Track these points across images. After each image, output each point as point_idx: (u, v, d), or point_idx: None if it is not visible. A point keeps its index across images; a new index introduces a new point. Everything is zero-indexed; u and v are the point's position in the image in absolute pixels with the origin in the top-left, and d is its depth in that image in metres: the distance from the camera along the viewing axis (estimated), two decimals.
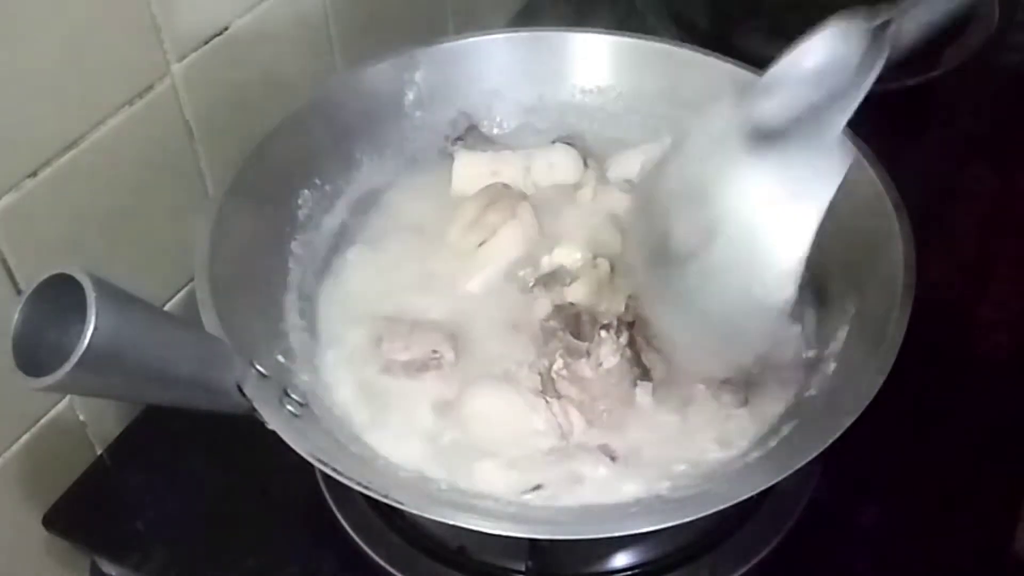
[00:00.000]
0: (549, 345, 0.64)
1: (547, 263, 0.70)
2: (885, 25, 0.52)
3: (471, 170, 0.75)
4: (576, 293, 0.67)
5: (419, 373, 0.64)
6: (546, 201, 0.74)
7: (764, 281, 0.52)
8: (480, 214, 0.72)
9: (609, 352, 0.62)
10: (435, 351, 0.64)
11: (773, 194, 0.52)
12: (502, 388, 0.62)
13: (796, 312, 0.66)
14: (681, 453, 0.60)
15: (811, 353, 0.64)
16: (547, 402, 0.61)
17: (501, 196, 0.73)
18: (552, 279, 0.68)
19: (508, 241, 0.71)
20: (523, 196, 0.73)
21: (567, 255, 0.69)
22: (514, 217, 0.71)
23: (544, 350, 0.64)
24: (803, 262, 0.52)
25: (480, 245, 0.71)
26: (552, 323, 0.64)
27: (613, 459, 0.59)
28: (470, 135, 0.78)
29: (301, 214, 0.70)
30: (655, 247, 0.57)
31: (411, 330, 0.65)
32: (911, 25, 0.52)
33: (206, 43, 0.71)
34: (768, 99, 0.53)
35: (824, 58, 0.52)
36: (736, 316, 0.55)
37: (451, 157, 0.76)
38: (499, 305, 0.68)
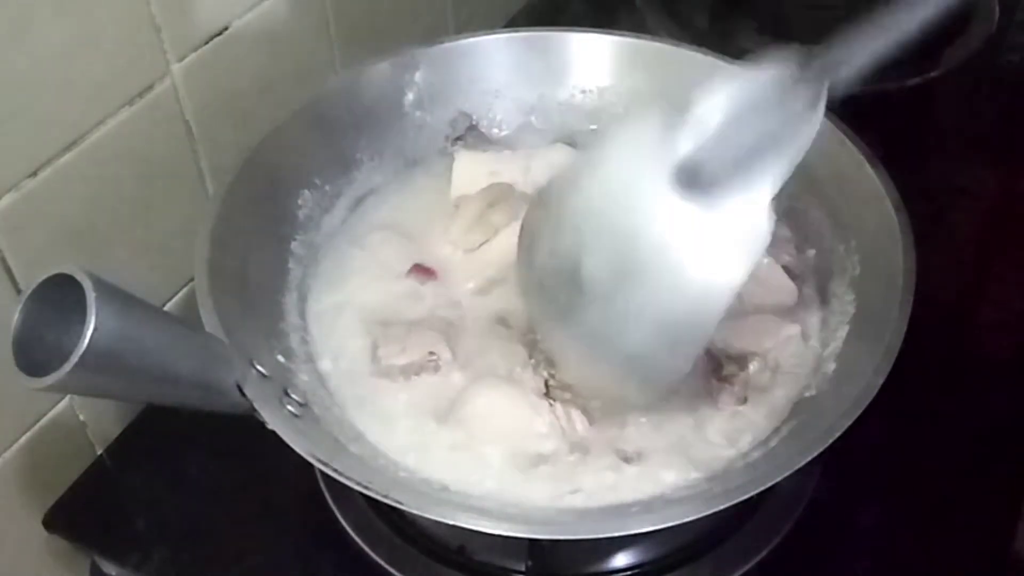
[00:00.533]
0: (536, 349, 0.64)
1: None
2: (822, 74, 0.50)
3: (471, 170, 0.75)
4: None
5: (416, 376, 0.64)
6: None
7: (677, 336, 0.52)
8: (483, 213, 0.72)
9: None
10: (432, 353, 0.64)
11: (704, 256, 0.51)
12: (505, 388, 0.62)
13: (796, 314, 0.67)
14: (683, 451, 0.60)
15: (811, 353, 0.64)
16: (551, 404, 0.61)
17: (504, 196, 0.73)
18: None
19: (511, 242, 0.71)
20: (525, 197, 0.73)
21: None
22: (517, 219, 0.71)
23: (533, 353, 0.64)
24: (710, 333, 0.52)
25: (481, 245, 0.71)
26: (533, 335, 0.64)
27: (627, 460, 0.59)
28: (470, 135, 0.78)
29: (301, 214, 0.70)
30: (562, 273, 0.55)
31: (407, 332, 0.65)
32: (852, 66, 0.49)
33: (206, 43, 0.71)
34: (696, 135, 0.51)
35: (756, 102, 0.51)
36: (629, 362, 0.54)
37: (451, 157, 0.76)
38: (494, 306, 0.68)
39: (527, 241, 0.58)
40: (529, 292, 0.59)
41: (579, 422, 0.61)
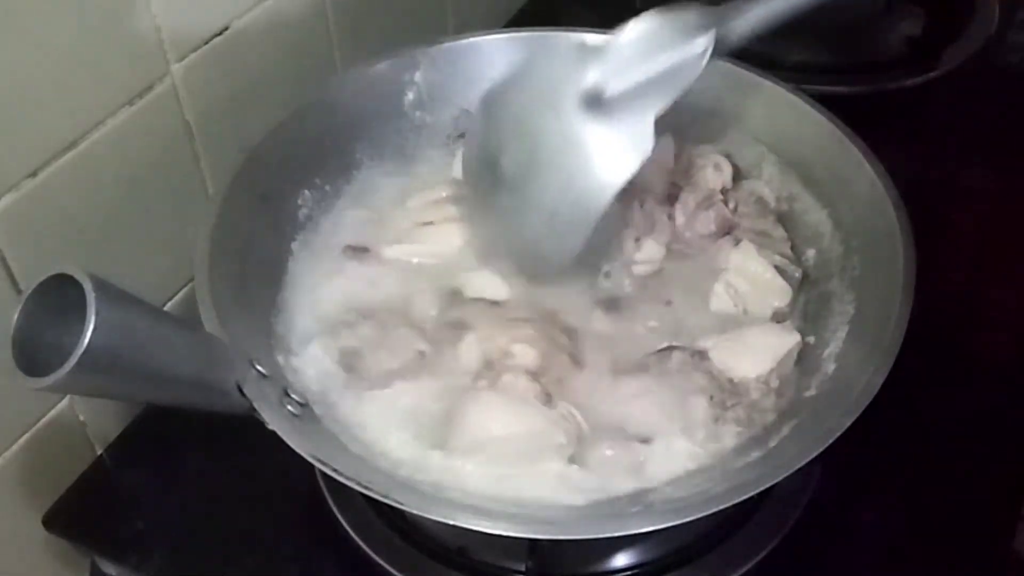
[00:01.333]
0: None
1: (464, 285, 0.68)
2: (719, 23, 0.60)
3: None
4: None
5: (415, 376, 0.63)
6: None
7: (564, 228, 0.63)
8: (446, 199, 0.72)
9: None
10: (421, 350, 0.64)
11: (592, 158, 0.62)
12: (503, 400, 0.60)
13: (796, 314, 0.67)
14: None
15: (810, 353, 0.64)
16: (552, 407, 0.61)
17: None
18: (453, 304, 0.67)
19: (450, 235, 0.71)
20: None
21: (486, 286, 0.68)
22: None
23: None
24: (592, 225, 0.62)
25: (424, 225, 0.71)
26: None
27: (647, 441, 0.59)
28: None
29: (301, 214, 0.70)
30: (486, 162, 0.66)
31: (382, 332, 0.64)
32: (745, 23, 0.60)
33: (206, 43, 0.71)
34: (604, 65, 0.62)
35: (658, 40, 0.61)
36: (536, 243, 0.65)
37: (450, 157, 0.76)
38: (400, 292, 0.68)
39: (469, 133, 0.70)
40: (467, 175, 0.70)
41: (582, 421, 0.61)
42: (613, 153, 0.61)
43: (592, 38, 0.64)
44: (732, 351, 0.63)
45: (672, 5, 0.61)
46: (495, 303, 0.66)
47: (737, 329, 0.64)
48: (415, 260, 0.70)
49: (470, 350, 0.63)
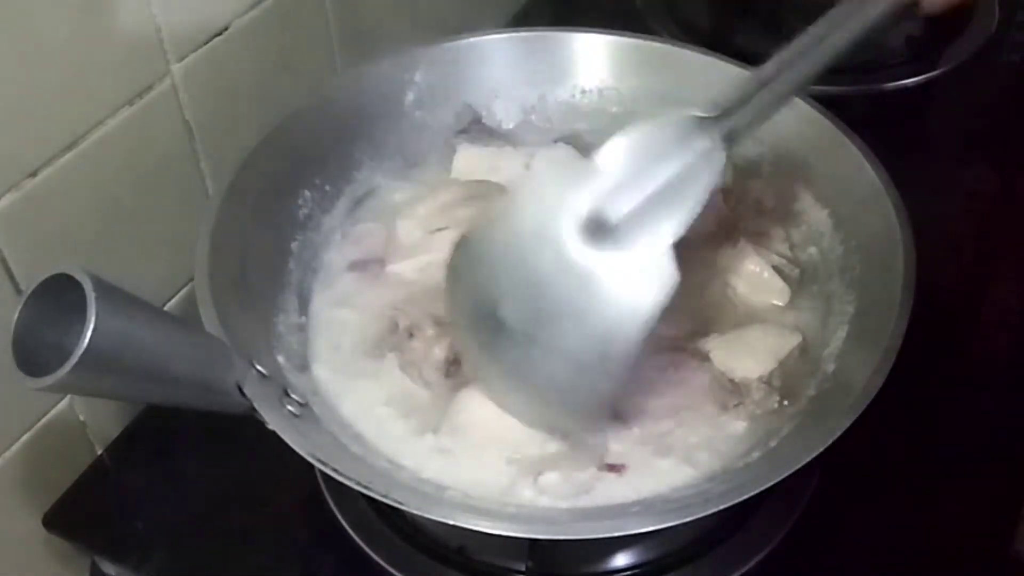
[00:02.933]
0: None
1: None
2: (723, 125, 0.55)
3: (471, 163, 0.76)
4: None
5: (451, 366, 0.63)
6: None
7: (594, 374, 0.56)
8: (455, 202, 0.72)
9: None
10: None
11: (604, 294, 0.54)
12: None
13: (795, 315, 0.67)
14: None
15: (811, 353, 0.64)
16: None
17: (484, 195, 0.73)
18: None
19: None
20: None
21: None
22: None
23: None
24: (627, 365, 0.55)
25: (437, 231, 0.71)
26: None
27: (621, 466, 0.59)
28: (474, 128, 0.78)
29: (301, 214, 0.70)
30: (481, 314, 0.58)
31: (437, 328, 0.64)
32: (750, 113, 0.55)
33: (206, 43, 0.71)
34: (601, 185, 0.55)
35: (652, 150, 0.54)
36: (561, 395, 0.58)
37: (450, 158, 0.76)
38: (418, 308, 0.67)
39: (451, 282, 0.61)
40: (456, 326, 0.62)
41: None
42: (633, 284, 0.54)
43: (575, 161, 0.57)
44: (733, 351, 0.63)
45: (663, 113, 0.56)
46: None
47: (738, 329, 0.64)
48: (431, 271, 0.69)
49: None
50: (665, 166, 0.54)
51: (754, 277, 0.67)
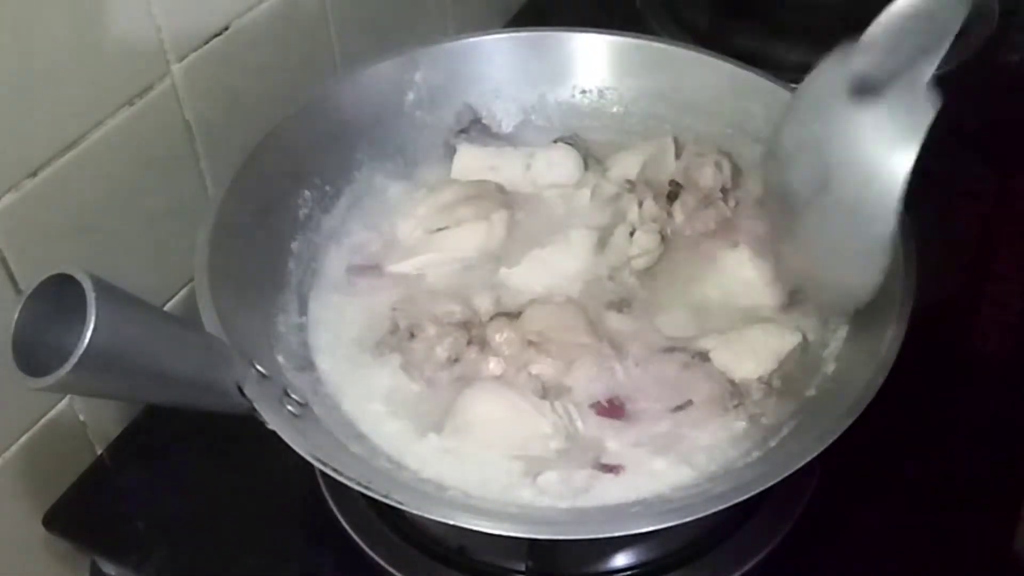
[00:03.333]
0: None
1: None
2: None
3: (471, 163, 0.76)
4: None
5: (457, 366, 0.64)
6: (538, 207, 0.74)
7: (871, 217, 0.57)
8: (455, 202, 0.72)
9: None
10: (469, 341, 0.64)
11: (875, 142, 0.57)
12: (504, 391, 0.62)
13: (795, 315, 0.66)
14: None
15: (811, 353, 0.63)
16: (552, 404, 0.61)
17: (485, 195, 0.73)
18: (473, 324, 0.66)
19: (464, 239, 0.71)
20: (508, 204, 0.73)
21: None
22: (486, 219, 0.71)
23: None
24: (902, 198, 0.56)
25: (437, 231, 0.71)
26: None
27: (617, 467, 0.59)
28: (474, 128, 0.78)
29: (301, 214, 0.70)
30: (779, 199, 0.63)
31: (438, 328, 0.64)
32: None
33: (206, 43, 0.71)
34: (866, 55, 0.58)
35: (912, 13, 0.58)
36: (849, 252, 0.59)
37: (450, 158, 0.76)
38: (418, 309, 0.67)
39: (766, 163, 0.67)
40: (768, 207, 0.68)
41: (578, 419, 0.61)
42: (902, 121, 0.58)
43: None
44: (733, 351, 0.63)
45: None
46: (512, 318, 0.65)
47: (738, 329, 0.64)
48: (431, 270, 0.70)
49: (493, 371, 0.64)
50: (916, 31, 0.58)
51: (752, 280, 0.67)
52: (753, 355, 0.62)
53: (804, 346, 0.63)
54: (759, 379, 0.61)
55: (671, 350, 0.64)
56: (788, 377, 0.62)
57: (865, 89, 0.58)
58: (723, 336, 0.64)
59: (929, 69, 0.58)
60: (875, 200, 0.57)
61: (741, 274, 0.67)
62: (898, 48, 0.58)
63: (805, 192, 0.61)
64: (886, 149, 0.57)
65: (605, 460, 0.59)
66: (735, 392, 0.61)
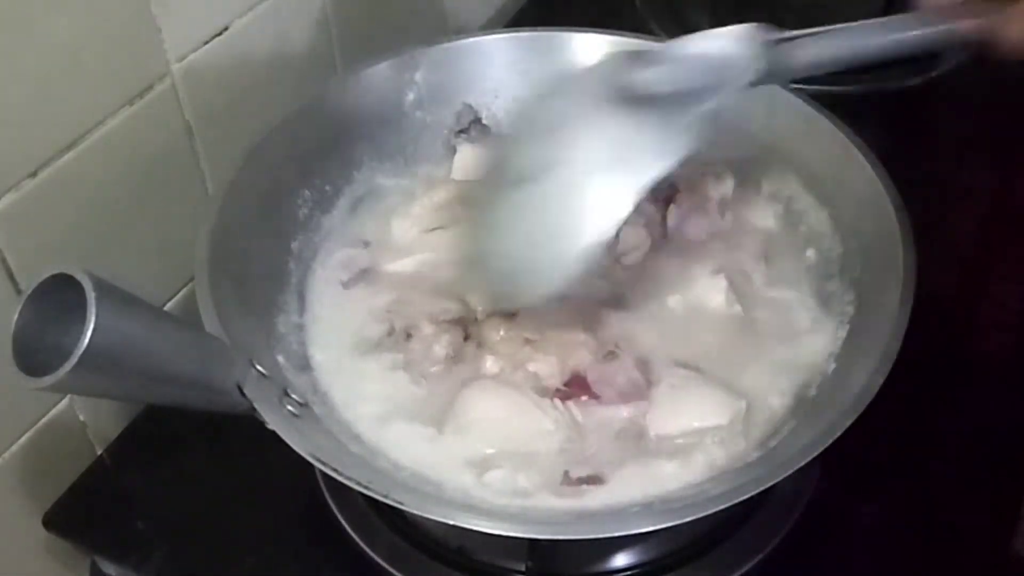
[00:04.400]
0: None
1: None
2: (784, 42, 0.55)
3: (471, 163, 0.76)
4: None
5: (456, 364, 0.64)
6: None
7: (583, 223, 0.55)
8: (450, 202, 0.72)
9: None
10: (466, 337, 0.64)
11: (614, 149, 0.55)
12: (505, 390, 0.61)
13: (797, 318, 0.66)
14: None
15: (811, 354, 0.64)
16: (552, 401, 0.61)
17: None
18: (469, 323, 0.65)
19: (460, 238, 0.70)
20: None
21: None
22: None
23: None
24: (616, 226, 0.55)
25: (432, 230, 0.71)
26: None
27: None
28: (474, 128, 0.78)
29: (301, 214, 0.70)
30: (496, 167, 0.61)
31: (434, 326, 0.64)
32: (810, 52, 0.55)
33: (206, 43, 0.71)
34: (650, 68, 0.56)
35: (716, 52, 0.55)
36: (540, 248, 0.57)
37: (450, 158, 0.76)
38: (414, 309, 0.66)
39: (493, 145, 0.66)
40: (485, 177, 0.64)
41: (579, 414, 0.61)
42: (651, 144, 0.55)
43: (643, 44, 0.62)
44: (670, 405, 0.61)
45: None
46: (508, 316, 0.64)
47: (686, 386, 0.62)
48: (426, 269, 0.70)
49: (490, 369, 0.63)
50: (716, 66, 0.55)
51: (715, 310, 0.66)
52: (683, 415, 0.60)
53: (745, 416, 0.60)
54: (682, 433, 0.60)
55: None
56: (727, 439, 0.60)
57: (634, 100, 0.55)
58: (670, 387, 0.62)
59: (704, 107, 0.54)
60: (597, 207, 0.54)
61: (710, 299, 0.66)
62: (684, 76, 0.55)
63: (523, 170, 0.58)
64: (622, 165, 0.54)
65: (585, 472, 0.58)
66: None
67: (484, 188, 0.63)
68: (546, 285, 0.58)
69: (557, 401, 0.61)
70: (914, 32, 0.54)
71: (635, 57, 0.57)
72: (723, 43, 0.55)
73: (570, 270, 0.56)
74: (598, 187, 0.55)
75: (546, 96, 0.61)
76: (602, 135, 0.56)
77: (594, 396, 0.61)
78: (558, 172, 0.56)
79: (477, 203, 0.64)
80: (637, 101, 0.55)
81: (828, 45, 0.55)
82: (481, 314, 0.65)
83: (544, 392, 0.61)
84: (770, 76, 0.55)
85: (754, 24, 0.55)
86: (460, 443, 0.60)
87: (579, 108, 0.57)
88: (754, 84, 0.55)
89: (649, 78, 0.55)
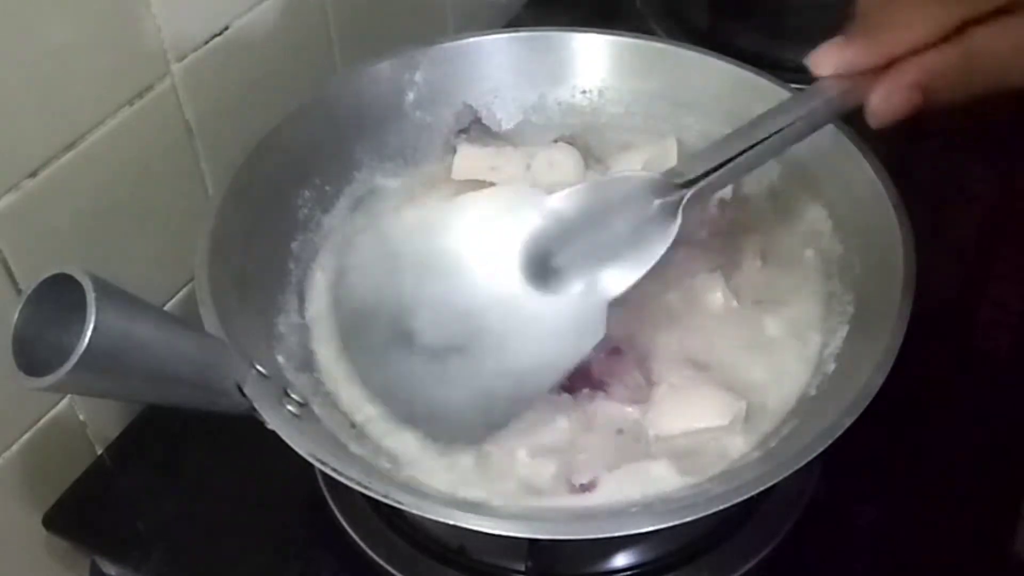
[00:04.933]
0: None
1: None
2: (686, 189, 0.54)
3: (471, 163, 0.75)
4: None
5: None
6: None
7: (489, 410, 0.55)
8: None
9: None
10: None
11: (531, 338, 0.55)
12: None
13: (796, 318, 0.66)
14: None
15: (811, 353, 0.63)
16: (560, 396, 0.60)
17: None
18: None
19: None
20: None
21: None
22: None
23: None
24: (526, 407, 0.55)
25: None
26: None
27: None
28: (474, 128, 0.78)
29: (301, 214, 0.70)
30: (386, 314, 0.59)
31: None
32: (712, 181, 0.55)
33: (206, 43, 0.71)
34: (553, 223, 0.55)
35: (619, 205, 0.54)
36: (458, 415, 0.57)
37: (450, 158, 0.76)
38: None
39: (354, 263, 0.61)
40: (340, 307, 0.62)
41: (587, 409, 0.60)
42: (560, 335, 0.54)
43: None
44: (669, 406, 0.61)
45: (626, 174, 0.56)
46: None
47: (686, 387, 0.62)
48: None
49: None
50: (619, 221, 0.54)
51: (713, 305, 0.66)
52: (683, 416, 0.60)
53: (746, 414, 0.60)
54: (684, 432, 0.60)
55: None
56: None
57: (540, 267, 0.54)
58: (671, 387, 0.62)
59: (615, 289, 0.53)
60: (510, 396, 0.53)
61: (709, 299, 0.66)
62: (587, 236, 0.54)
63: (426, 336, 0.56)
64: (541, 353, 0.53)
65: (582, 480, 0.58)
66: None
67: (372, 334, 0.60)
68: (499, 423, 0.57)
69: (566, 396, 0.61)
70: (802, 110, 0.55)
71: (526, 209, 0.55)
72: (623, 193, 0.54)
73: (485, 433, 0.57)
74: (515, 367, 0.55)
75: (441, 249, 0.58)
76: (516, 311, 0.55)
77: (601, 390, 0.61)
78: (474, 353, 0.56)
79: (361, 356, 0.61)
80: (545, 269, 0.55)
81: (724, 163, 0.55)
82: None
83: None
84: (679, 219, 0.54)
85: (652, 176, 0.55)
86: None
87: (482, 268, 0.56)
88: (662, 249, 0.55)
89: (547, 244, 0.55)
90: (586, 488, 0.57)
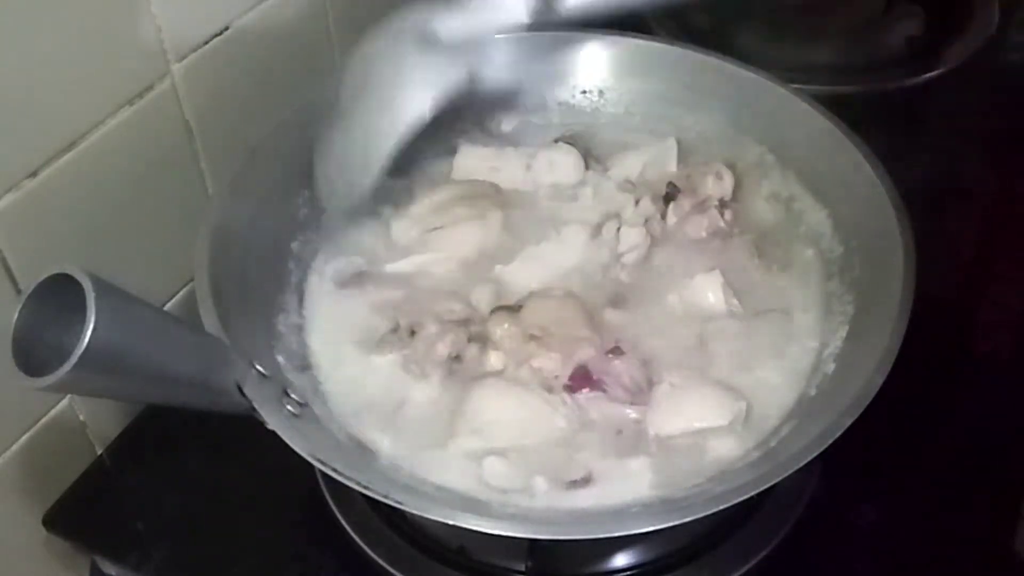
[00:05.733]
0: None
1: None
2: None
3: (471, 163, 0.76)
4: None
5: (458, 363, 0.63)
6: (537, 207, 0.74)
7: (371, 146, 0.65)
8: (450, 201, 0.72)
9: None
10: (470, 338, 0.64)
11: (404, 80, 0.65)
12: (515, 390, 0.61)
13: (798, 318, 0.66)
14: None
15: (811, 353, 0.63)
16: (561, 396, 0.61)
17: (482, 194, 0.73)
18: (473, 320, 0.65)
19: (460, 238, 0.71)
20: (504, 204, 0.73)
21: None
22: (481, 218, 0.71)
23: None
24: (400, 142, 0.64)
25: (432, 231, 0.71)
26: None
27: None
28: (475, 129, 0.78)
29: (301, 214, 0.70)
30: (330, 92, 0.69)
31: (439, 325, 0.64)
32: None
33: (206, 43, 0.71)
34: (443, 14, 0.66)
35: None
36: (365, 148, 0.66)
37: (450, 158, 0.76)
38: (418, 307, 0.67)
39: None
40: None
41: (586, 409, 0.61)
42: (426, 77, 0.65)
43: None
44: (670, 405, 0.61)
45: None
46: (513, 311, 0.65)
47: (685, 386, 0.62)
48: (428, 269, 0.70)
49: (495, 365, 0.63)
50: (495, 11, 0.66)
51: (712, 307, 0.66)
52: (683, 416, 0.60)
53: (745, 416, 0.60)
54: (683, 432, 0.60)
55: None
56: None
57: (429, 39, 0.66)
58: (670, 387, 0.62)
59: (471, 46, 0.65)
60: (383, 130, 0.64)
61: (709, 299, 0.66)
62: (468, 19, 0.66)
63: (340, 97, 0.67)
64: (412, 90, 0.65)
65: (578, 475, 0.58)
66: None
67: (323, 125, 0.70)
68: (371, 174, 0.66)
69: (566, 396, 0.61)
70: None
71: (431, 5, 0.67)
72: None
73: (384, 160, 0.65)
74: (402, 98, 0.65)
75: (370, 39, 0.69)
76: (399, 64, 0.66)
77: (600, 389, 0.61)
78: (367, 97, 0.66)
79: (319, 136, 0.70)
80: (432, 40, 0.66)
81: None
82: (485, 310, 0.65)
83: (550, 388, 0.61)
84: (541, 19, 0.66)
85: None
86: (464, 442, 0.60)
87: (388, 44, 0.67)
88: (530, 28, 0.66)
89: (450, 27, 0.66)
90: (578, 484, 0.57)
